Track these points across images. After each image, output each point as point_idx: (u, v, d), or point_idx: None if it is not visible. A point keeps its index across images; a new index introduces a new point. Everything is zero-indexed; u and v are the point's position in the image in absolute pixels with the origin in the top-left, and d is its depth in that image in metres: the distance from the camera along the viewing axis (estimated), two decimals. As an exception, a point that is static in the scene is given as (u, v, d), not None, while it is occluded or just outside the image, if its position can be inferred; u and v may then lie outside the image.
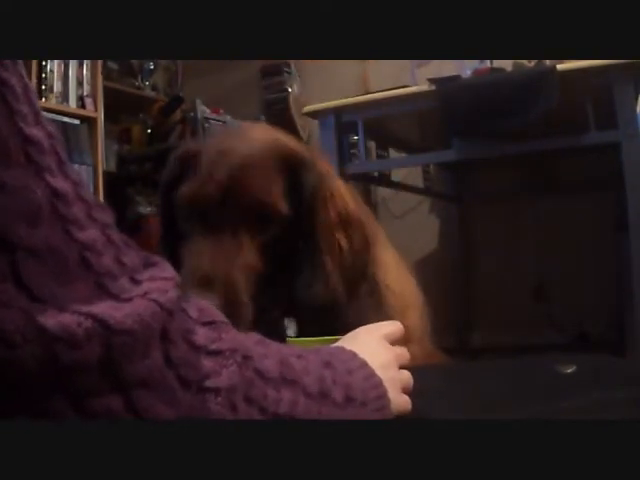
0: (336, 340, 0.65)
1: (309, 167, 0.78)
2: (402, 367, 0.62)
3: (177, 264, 0.78)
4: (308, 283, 0.77)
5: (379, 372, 0.55)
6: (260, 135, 0.82)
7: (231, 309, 0.68)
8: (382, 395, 0.55)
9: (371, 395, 0.53)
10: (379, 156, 2.69)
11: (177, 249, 0.78)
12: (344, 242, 0.79)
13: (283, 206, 0.75)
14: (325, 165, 0.82)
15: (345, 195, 0.82)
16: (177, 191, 0.78)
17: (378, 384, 0.55)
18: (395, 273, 0.92)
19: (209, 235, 0.73)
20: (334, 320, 0.77)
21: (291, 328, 0.83)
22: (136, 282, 0.36)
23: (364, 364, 0.54)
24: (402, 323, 0.91)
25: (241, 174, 0.74)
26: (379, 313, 0.89)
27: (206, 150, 0.79)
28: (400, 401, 0.59)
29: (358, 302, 0.81)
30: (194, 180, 0.76)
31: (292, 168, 0.77)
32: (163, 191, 0.82)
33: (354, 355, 0.54)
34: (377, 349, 0.59)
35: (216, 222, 0.74)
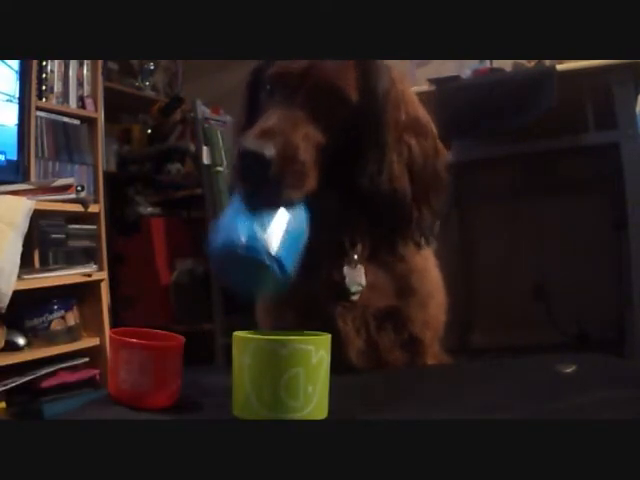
0: (326, 338, 0.65)
1: (383, 70, 0.80)
2: None
3: None
4: (371, 173, 0.77)
5: None
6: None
7: (285, 163, 0.70)
8: None
9: None
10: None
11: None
12: (413, 144, 0.80)
13: (353, 94, 0.78)
14: (397, 73, 0.84)
15: (416, 102, 0.84)
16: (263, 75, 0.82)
17: None
18: (428, 262, 0.94)
19: (282, 105, 0.77)
20: (398, 221, 0.80)
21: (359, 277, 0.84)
22: None
23: None
24: (419, 313, 0.90)
25: (321, 64, 0.78)
26: (405, 293, 0.88)
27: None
28: None
29: (425, 213, 0.81)
30: (279, 63, 0.80)
31: (367, 69, 0.80)
32: (251, 79, 0.86)
33: None
34: None
35: (292, 98, 0.77)
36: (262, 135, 0.71)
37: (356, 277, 0.84)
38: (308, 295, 0.85)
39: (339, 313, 0.84)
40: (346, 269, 0.84)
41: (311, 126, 0.75)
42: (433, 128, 0.84)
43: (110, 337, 0.71)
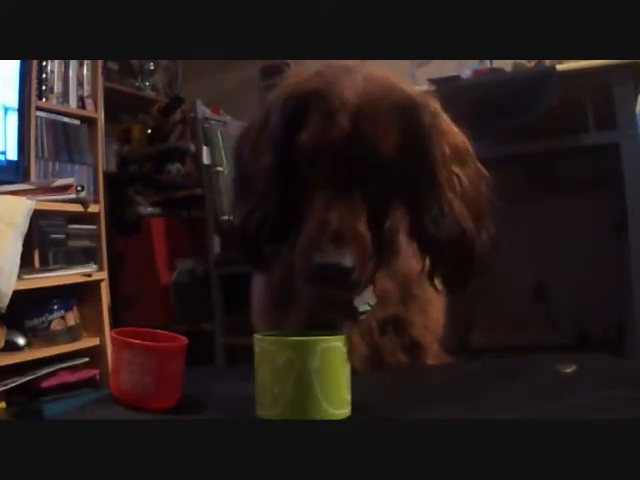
0: (345, 339, 0.66)
1: (423, 110, 0.77)
2: None
3: (285, 210, 0.78)
4: (434, 219, 0.75)
5: None
6: (374, 76, 0.79)
7: (363, 264, 0.70)
8: None
9: None
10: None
11: (288, 195, 0.78)
12: (461, 175, 0.78)
13: (398, 157, 0.74)
14: (435, 103, 0.81)
15: (454, 129, 0.81)
16: (296, 136, 0.76)
17: None
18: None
19: (332, 186, 0.73)
20: (468, 256, 0.77)
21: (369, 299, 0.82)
22: None
23: None
24: (419, 317, 0.89)
25: (364, 125, 0.73)
26: (406, 300, 0.87)
27: (325, 91, 0.76)
28: None
29: (485, 241, 0.78)
30: (316, 127, 0.75)
31: (409, 113, 0.76)
32: (278, 134, 0.79)
33: None
34: None
35: (338, 173, 0.73)
36: (337, 242, 0.69)
37: (365, 296, 0.81)
38: (314, 303, 0.83)
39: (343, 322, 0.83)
40: None
41: (366, 202, 0.74)
42: (471, 150, 0.82)
43: (112, 337, 0.71)
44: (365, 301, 0.81)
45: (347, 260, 0.68)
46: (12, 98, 2.13)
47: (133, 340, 0.69)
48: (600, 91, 1.91)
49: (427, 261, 0.80)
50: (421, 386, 0.79)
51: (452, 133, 0.80)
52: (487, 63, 2.34)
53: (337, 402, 0.63)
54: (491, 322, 2.72)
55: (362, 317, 0.82)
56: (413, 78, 2.56)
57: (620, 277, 2.30)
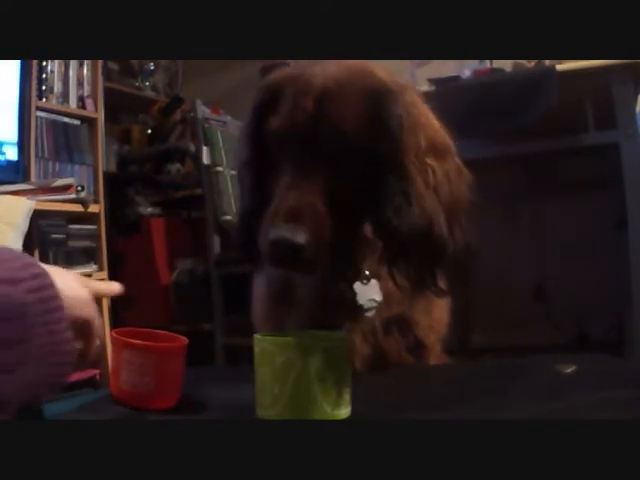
0: (346, 339, 0.66)
1: (395, 97, 0.75)
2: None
3: (261, 190, 0.79)
4: (400, 208, 0.72)
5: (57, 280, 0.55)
6: (351, 64, 0.80)
7: (320, 243, 0.69)
8: (39, 274, 0.54)
9: (24, 274, 0.53)
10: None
11: (263, 176, 0.80)
12: (437, 168, 0.75)
13: (367, 134, 0.73)
14: (413, 94, 0.79)
15: (435, 124, 0.79)
16: (267, 120, 0.77)
17: (32, 265, 0.54)
18: None
19: (297, 168, 0.73)
20: (435, 253, 0.74)
21: (375, 292, 0.80)
22: None
23: (29, 263, 0.54)
24: (424, 317, 0.89)
25: (328, 106, 0.73)
26: (411, 299, 0.86)
27: (295, 77, 0.78)
28: (81, 290, 0.61)
29: (459, 240, 0.75)
30: (283, 112, 0.76)
31: (378, 97, 0.75)
32: (253, 117, 0.82)
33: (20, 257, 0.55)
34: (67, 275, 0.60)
35: (303, 155, 0.73)
36: (290, 218, 0.68)
37: (369, 293, 0.80)
38: (314, 303, 0.83)
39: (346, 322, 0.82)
40: (357, 286, 0.81)
41: (330, 184, 0.72)
42: (453, 148, 0.79)
43: (112, 337, 0.71)
44: (370, 298, 0.80)
45: (299, 236, 0.66)
46: (10, 132, 2.14)
47: (133, 340, 0.69)
48: (600, 91, 1.91)
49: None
50: (421, 386, 0.79)
51: (431, 126, 0.78)
52: (487, 63, 2.34)
53: (337, 402, 0.63)
54: (491, 322, 2.72)
55: (369, 314, 0.81)
56: (413, 78, 2.56)
57: (620, 277, 2.30)
